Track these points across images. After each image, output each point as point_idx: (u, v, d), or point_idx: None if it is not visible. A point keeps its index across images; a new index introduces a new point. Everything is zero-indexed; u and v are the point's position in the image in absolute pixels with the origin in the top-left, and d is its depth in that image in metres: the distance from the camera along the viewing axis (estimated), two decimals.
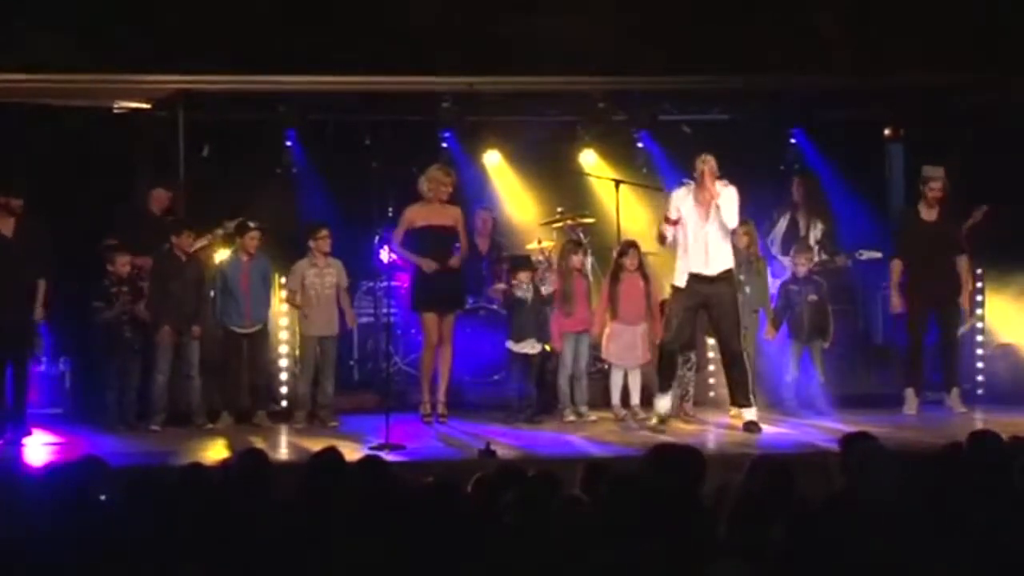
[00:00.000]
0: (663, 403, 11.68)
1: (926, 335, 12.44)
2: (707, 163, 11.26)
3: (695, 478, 6.54)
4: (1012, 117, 13.37)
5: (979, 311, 13.09)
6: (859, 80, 13.89)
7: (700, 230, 11.34)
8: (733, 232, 11.50)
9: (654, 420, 11.63)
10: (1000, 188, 12.99)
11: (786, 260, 12.90)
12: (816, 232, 13.34)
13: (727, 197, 11.27)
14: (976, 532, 5.58)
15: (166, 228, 12.40)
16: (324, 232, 12.21)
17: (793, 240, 13.15)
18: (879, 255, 13.01)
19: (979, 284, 13.00)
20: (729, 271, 11.47)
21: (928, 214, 12.41)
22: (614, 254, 12.42)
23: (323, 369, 12.25)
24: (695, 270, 11.38)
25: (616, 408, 12.23)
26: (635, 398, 12.24)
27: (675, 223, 11.38)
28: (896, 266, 12.49)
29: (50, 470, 8.10)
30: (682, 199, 11.40)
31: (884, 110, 14.56)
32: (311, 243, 12.19)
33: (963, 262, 12.46)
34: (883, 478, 6.22)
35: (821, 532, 5.38)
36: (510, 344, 12.21)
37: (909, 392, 12.40)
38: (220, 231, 12.63)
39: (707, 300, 11.46)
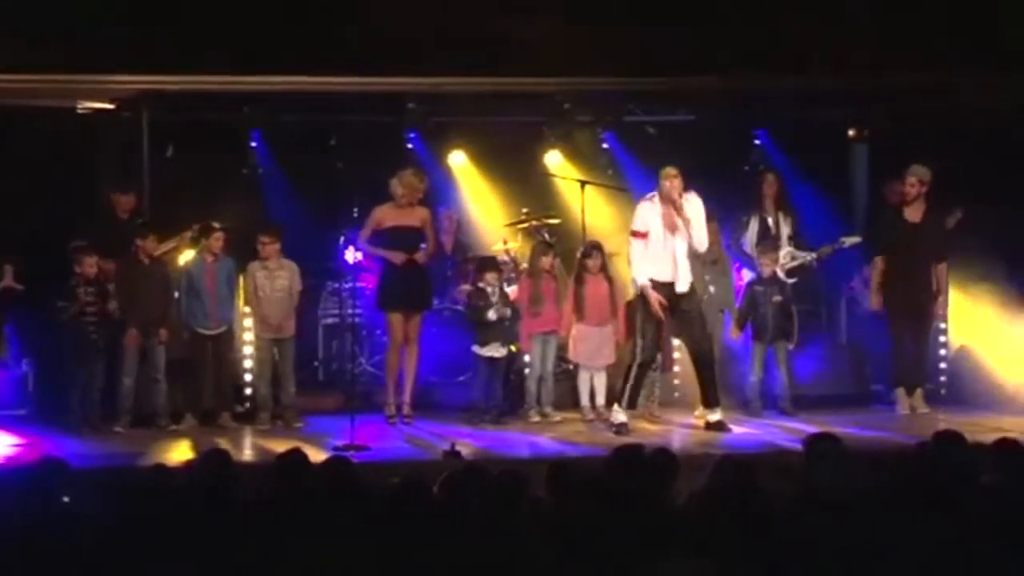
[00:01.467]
0: (623, 416, 11.53)
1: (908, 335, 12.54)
2: (673, 182, 11.27)
3: (666, 478, 6.57)
4: (976, 119, 13.42)
5: (941, 312, 13.13)
6: (824, 81, 13.94)
7: (669, 243, 11.34)
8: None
9: (612, 430, 11.43)
10: (962, 190, 13.03)
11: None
12: (787, 228, 13.31)
13: (695, 213, 11.31)
14: (938, 531, 5.61)
15: (132, 231, 12.32)
16: (267, 238, 12.16)
17: (768, 239, 13.11)
18: (859, 240, 13.03)
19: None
20: (692, 283, 11.53)
21: (912, 215, 12.45)
22: (578, 255, 12.44)
23: (283, 370, 12.22)
24: (664, 279, 11.38)
25: (585, 409, 12.25)
26: (600, 399, 12.26)
27: (643, 236, 11.38)
28: (878, 264, 12.53)
29: (11, 472, 8.07)
30: (649, 213, 11.38)
31: (848, 111, 14.60)
32: (258, 247, 12.19)
33: (941, 269, 12.54)
34: (843, 478, 6.25)
35: (783, 532, 5.41)
36: (476, 348, 12.19)
37: (900, 392, 12.49)
38: (188, 234, 12.56)
39: (675, 307, 11.46)
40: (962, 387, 13.11)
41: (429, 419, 12.17)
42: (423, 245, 12.22)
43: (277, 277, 12.18)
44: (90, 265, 11.82)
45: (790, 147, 14.43)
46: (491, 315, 12.05)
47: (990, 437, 7.43)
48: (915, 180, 12.34)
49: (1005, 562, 5.47)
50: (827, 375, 13.12)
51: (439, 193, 14.06)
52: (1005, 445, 7.13)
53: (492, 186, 14.71)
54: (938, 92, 13.65)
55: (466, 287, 12.93)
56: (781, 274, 12.70)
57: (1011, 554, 5.51)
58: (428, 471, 7.75)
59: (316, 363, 13.60)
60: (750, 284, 12.63)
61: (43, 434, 11.52)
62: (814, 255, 13.13)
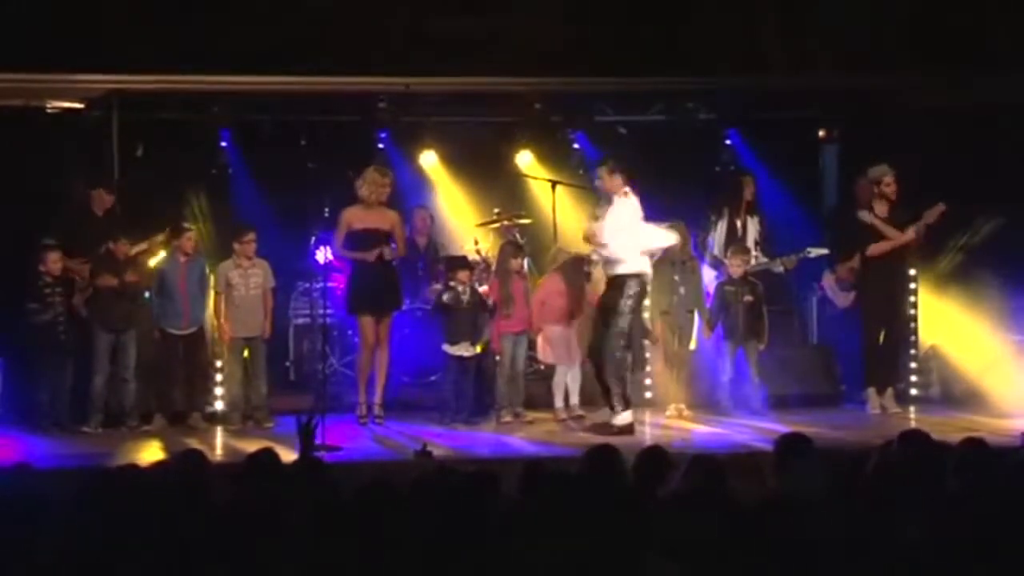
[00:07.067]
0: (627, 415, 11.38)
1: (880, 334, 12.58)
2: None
3: (657, 477, 6.55)
4: (947, 119, 13.48)
5: (912, 312, 13.17)
6: (793, 81, 13.98)
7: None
8: None
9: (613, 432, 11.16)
10: (932, 190, 13.08)
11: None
12: (753, 231, 13.32)
13: (630, 212, 11.45)
14: (907, 531, 5.63)
15: (107, 229, 12.24)
16: (249, 236, 12.15)
17: (735, 242, 13.14)
18: (825, 251, 13.05)
19: (912, 285, 13.06)
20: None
21: (880, 213, 12.47)
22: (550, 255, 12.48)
23: (254, 370, 12.19)
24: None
25: (559, 409, 12.25)
26: (574, 398, 12.28)
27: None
28: (845, 264, 12.57)
29: None
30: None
31: (818, 111, 14.64)
32: (236, 246, 12.15)
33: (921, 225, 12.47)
34: (815, 479, 6.27)
35: (755, 532, 5.41)
36: (445, 347, 12.18)
37: (871, 391, 12.51)
38: (159, 237, 12.39)
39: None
40: (933, 386, 13.16)
41: (400, 419, 12.15)
42: (393, 247, 12.18)
43: (251, 275, 12.15)
44: (55, 262, 11.76)
45: (760, 147, 14.45)
46: (464, 299, 12.02)
47: (958, 437, 7.45)
48: (890, 179, 12.39)
49: (971, 561, 5.49)
50: (798, 375, 13.15)
51: (410, 193, 14.05)
52: (971, 445, 7.16)
53: (463, 186, 14.68)
54: (907, 92, 13.70)
55: (437, 287, 12.91)
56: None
57: (977, 553, 5.53)
58: (399, 471, 7.76)
59: (287, 363, 13.58)
60: (721, 284, 12.66)
61: (10, 434, 11.46)
62: (779, 263, 13.14)
